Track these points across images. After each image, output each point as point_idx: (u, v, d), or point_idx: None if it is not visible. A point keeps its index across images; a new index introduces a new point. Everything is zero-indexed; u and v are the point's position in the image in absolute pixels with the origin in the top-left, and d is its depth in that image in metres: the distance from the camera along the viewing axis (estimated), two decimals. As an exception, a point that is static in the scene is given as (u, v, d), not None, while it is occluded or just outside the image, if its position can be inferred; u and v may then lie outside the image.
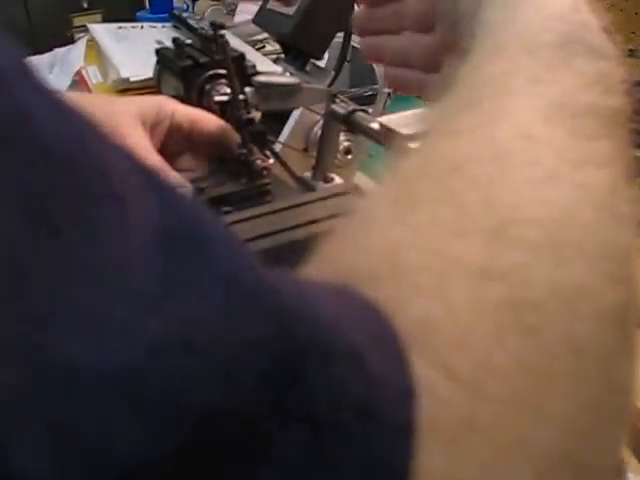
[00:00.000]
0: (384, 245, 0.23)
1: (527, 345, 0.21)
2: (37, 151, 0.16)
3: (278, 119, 0.77)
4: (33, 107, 0.17)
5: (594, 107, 0.27)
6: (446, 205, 0.23)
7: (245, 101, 0.59)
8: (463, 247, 0.22)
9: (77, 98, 0.62)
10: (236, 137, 0.61)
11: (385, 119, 0.53)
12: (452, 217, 0.23)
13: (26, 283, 0.15)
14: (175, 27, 1.38)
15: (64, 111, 0.18)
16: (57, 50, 1.37)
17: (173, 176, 0.57)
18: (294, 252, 0.47)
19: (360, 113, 0.61)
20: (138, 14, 1.67)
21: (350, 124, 0.61)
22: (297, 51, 0.76)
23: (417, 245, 0.22)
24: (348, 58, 0.86)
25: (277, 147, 0.76)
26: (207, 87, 0.71)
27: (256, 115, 0.60)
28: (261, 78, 0.59)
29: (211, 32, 0.62)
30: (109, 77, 1.19)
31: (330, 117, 0.64)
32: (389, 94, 0.97)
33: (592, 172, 0.25)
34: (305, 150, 0.78)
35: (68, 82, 1.21)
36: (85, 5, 1.83)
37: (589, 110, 0.27)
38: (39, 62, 1.33)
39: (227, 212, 0.56)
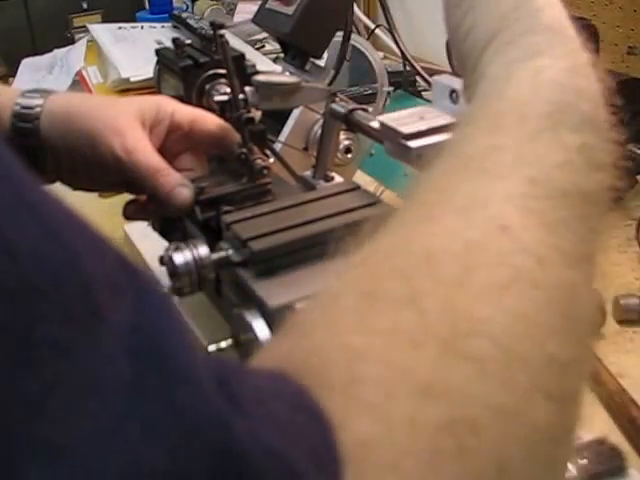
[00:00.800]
0: (341, 351, 0.23)
1: (459, 467, 0.21)
2: (22, 288, 0.17)
3: (278, 118, 0.77)
4: (17, 236, 0.17)
5: (574, 188, 0.27)
6: (408, 310, 0.24)
7: (245, 100, 0.59)
8: (415, 359, 0.22)
9: (77, 100, 0.61)
10: (236, 136, 0.61)
11: (385, 117, 0.53)
12: (411, 325, 0.23)
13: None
14: (175, 27, 1.38)
15: (51, 225, 0.18)
16: (57, 51, 1.37)
17: (175, 176, 0.57)
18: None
19: (360, 112, 0.61)
20: (138, 14, 1.68)
21: (350, 123, 0.61)
22: (297, 50, 0.76)
23: (372, 356, 0.23)
24: (348, 57, 0.86)
25: (277, 146, 0.76)
26: (207, 87, 0.71)
27: (256, 114, 0.60)
28: (261, 77, 0.59)
29: (211, 32, 0.62)
30: (109, 77, 1.19)
31: (330, 116, 0.64)
32: (389, 93, 0.97)
33: (558, 271, 0.25)
34: (305, 149, 0.78)
35: (69, 82, 1.21)
36: (85, 5, 1.83)
37: (568, 192, 0.26)
38: (39, 63, 1.33)
39: (227, 212, 0.56)
